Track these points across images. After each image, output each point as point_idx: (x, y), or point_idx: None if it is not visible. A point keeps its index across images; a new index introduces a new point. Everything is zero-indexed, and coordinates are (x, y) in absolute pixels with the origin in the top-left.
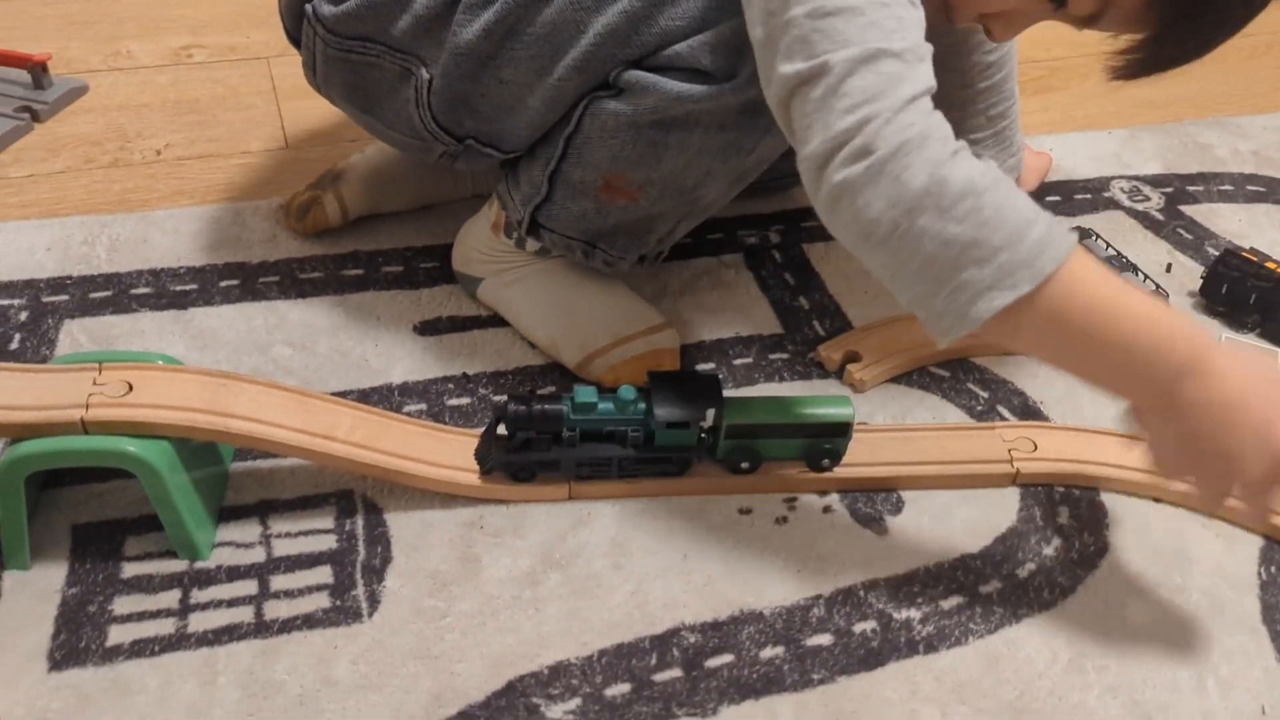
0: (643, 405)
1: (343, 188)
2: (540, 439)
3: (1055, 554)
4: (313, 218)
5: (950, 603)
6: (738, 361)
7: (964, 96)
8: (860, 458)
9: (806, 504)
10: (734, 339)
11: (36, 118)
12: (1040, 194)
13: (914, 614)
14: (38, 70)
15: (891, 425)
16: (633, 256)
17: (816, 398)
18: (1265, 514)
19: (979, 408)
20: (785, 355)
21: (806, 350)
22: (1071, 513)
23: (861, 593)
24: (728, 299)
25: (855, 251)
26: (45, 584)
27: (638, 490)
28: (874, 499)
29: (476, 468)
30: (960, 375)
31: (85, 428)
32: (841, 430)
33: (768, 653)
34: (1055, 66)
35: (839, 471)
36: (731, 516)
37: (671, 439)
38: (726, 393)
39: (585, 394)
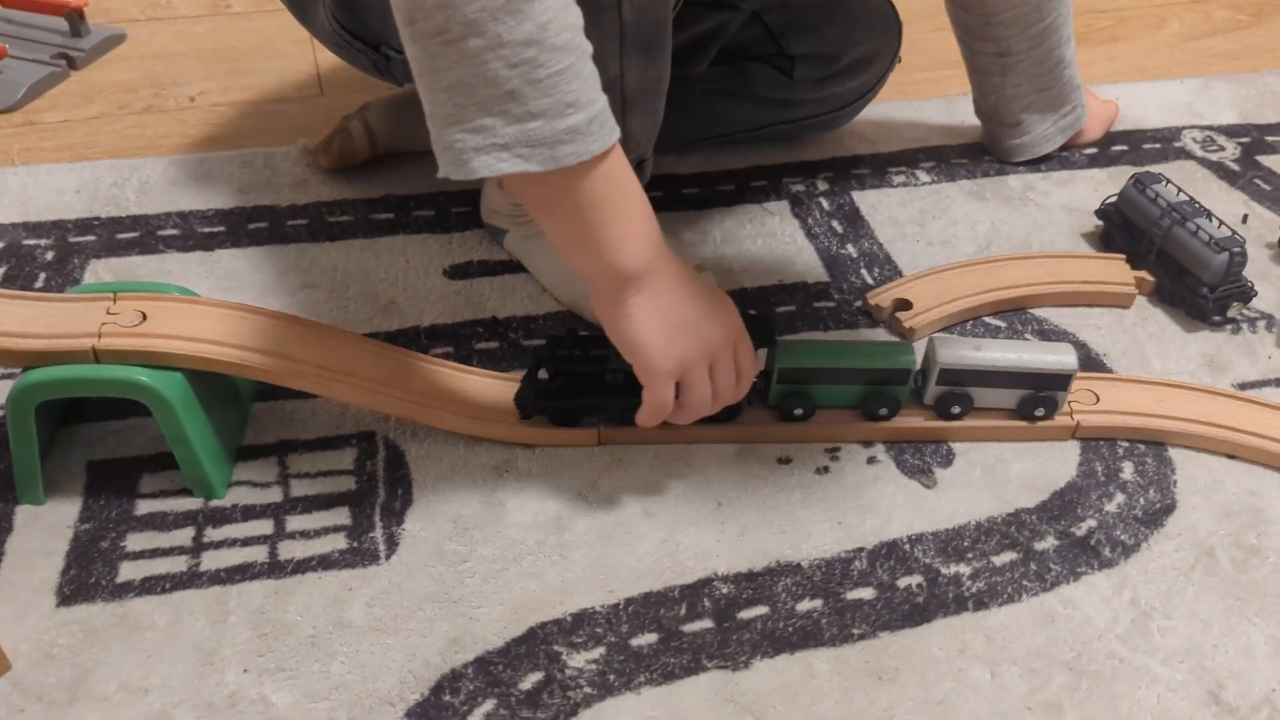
0: None
1: (369, 115)
2: (583, 382)
3: (1118, 510)
4: (339, 146)
5: (1003, 559)
6: (781, 309)
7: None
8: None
9: (850, 454)
10: (777, 286)
11: (73, 65)
12: (1106, 143)
13: (963, 569)
14: (75, 17)
15: None
16: None
17: (876, 343)
18: (656, 414)
19: None
20: (831, 303)
21: (854, 299)
22: (1136, 468)
23: (907, 546)
24: (772, 246)
25: (399, 25)
26: (58, 519)
27: (672, 436)
28: (922, 450)
29: (502, 410)
30: (1017, 325)
31: (97, 356)
32: (902, 377)
33: (805, 605)
34: (1123, 17)
35: (884, 421)
36: (770, 465)
37: None
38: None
39: None
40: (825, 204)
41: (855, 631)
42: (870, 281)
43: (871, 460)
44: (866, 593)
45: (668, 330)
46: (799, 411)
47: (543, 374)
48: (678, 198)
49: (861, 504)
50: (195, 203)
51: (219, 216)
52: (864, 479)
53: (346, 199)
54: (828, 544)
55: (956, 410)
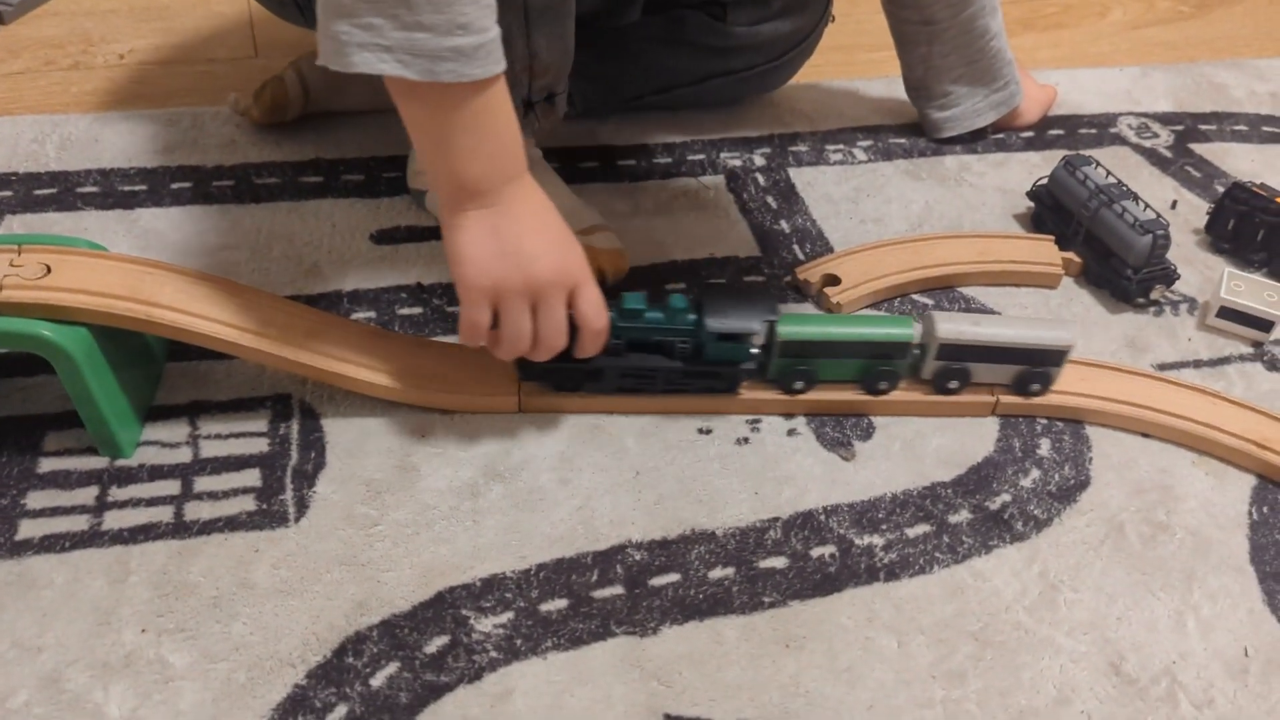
0: (693, 316)
1: (303, 65)
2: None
3: (1033, 486)
4: (270, 95)
5: (916, 531)
6: (711, 282)
7: None
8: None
9: (771, 425)
10: (708, 259)
11: (0, 19)
12: (1043, 127)
13: (876, 540)
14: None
15: None
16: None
17: (877, 316)
18: (467, 331)
19: None
20: (761, 277)
21: (784, 274)
22: (1053, 445)
23: (822, 517)
24: (705, 220)
25: None
26: None
27: (594, 406)
28: (843, 424)
29: (419, 374)
30: (944, 303)
31: None
32: (901, 351)
33: (717, 573)
34: (1069, 4)
35: (805, 395)
36: (689, 435)
37: (723, 353)
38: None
39: (634, 300)
40: (761, 179)
41: (765, 600)
42: (801, 257)
43: (791, 432)
44: (779, 562)
45: (494, 251)
46: (799, 384)
47: None
48: (614, 169)
49: (779, 475)
50: (117, 160)
51: (141, 175)
52: (783, 450)
53: (274, 161)
54: (743, 513)
55: (954, 385)
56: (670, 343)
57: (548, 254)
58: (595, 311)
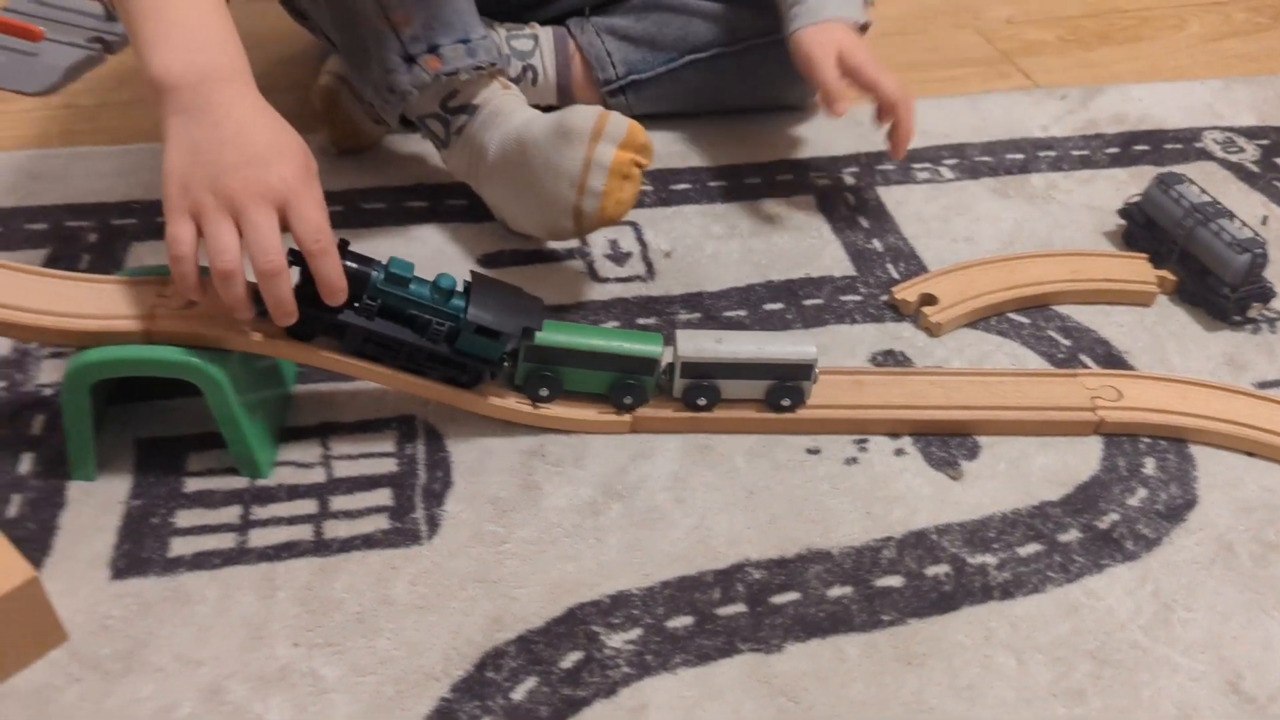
0: (458, 302)
1: (329, 65)
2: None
3: (1140, 505)
4: (320, 100)
5: (1027, 550)
6: (808, 302)
7: None
8: (935, 400)
9: (877, 446)
10: (804, 280)
11: (108, 49)
12: (1128, 143)
13: (989, 559)
14: (109, 2)
15: (968, 369)
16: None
17: (631, 331)
18: (174, 257)
19: (1060, 355)
20: (858, 297)
21: (880, 293)
22: (1158, 464)
23: (934, 536)
24: (799, 240)
25: None
26: (109, 495)
27: (701, 425)
28: (948, 443)
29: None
30: (1041, 322)
31: (149, 338)
32: (648, 367)
33: (835, 592)
34: (1145, 16)
35: (913, 414)
36: (798, 455)
37: (476, 347)
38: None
39: (401, 266)
40: (851, 199)
41: (884, 618)
42: (896, 276)
43: (899, 452)
44: (895, 580)
45: (190, 163)
46: (544, 392)
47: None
48: (706, 190)
49: (889, 494)
50: None
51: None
52: (891, 470)
53: (380, 186)
54: (856, 533)
55: (703, 402)
56: (425, 320)
57: (248, 164)
58: (310, 232)
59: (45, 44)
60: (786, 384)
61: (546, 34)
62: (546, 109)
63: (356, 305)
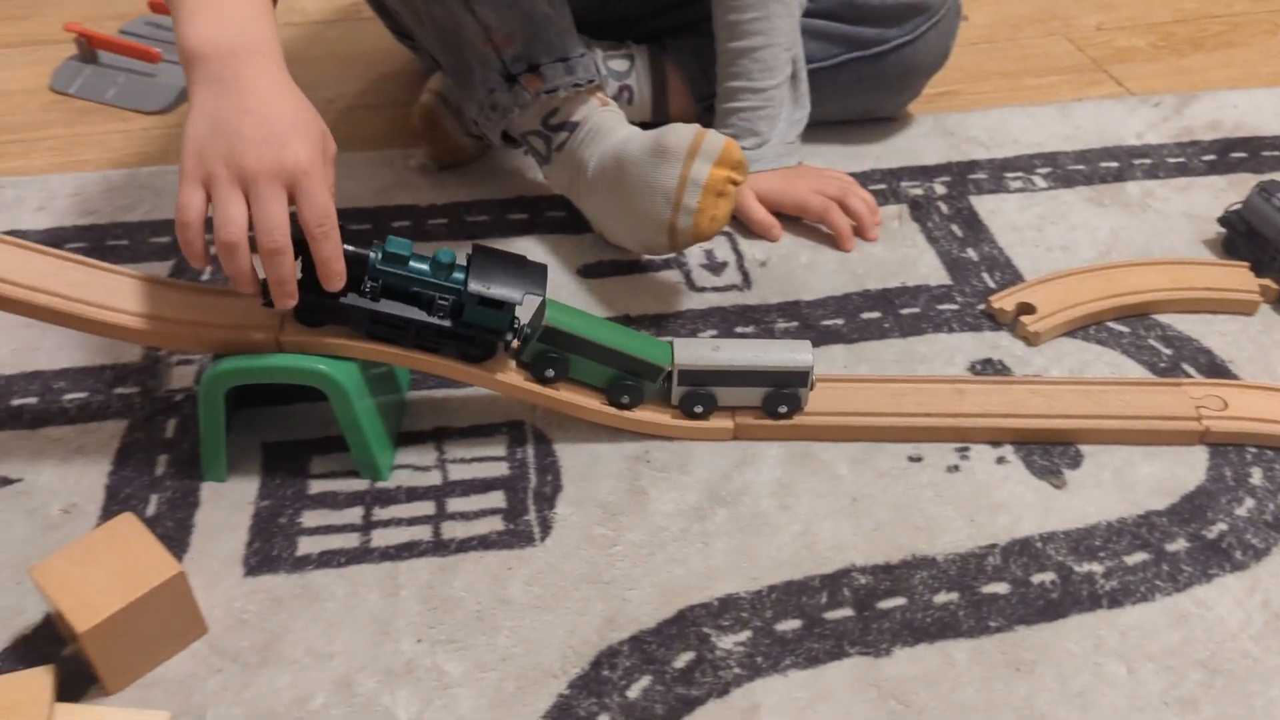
0: (459, 275)
1: (431, 83)
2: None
3: (1248, 515)
4: (420, 119)
5: (1135, 559)
6: (904, 311)
7: None
8: (1036, 409)
9: (979, 454)
10: (900, 289)
11: None
12: (1224, 150)
13: (1096, 568)
14: None
15: (1069, 378)
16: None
17: (642, 335)
18: (181, 224)
19: (1162, 364)
20: (954, 306)
21: (976, 302)
22: (1265, 474)
23: (1039, 544)
24: (894, 250)
25: None
26: (239, 496)
27: (802, 433)
28: (1050, 451)
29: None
30: (1141, 331)
31: (280, 346)
32: (652, 373)
33: (941, 598)
34: (1237, 22)
35: (1015, 422)
36: (900, 463)
37: (482, 318)
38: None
39: (398, 245)
40: (944, 208)
41: (992, 624)
42: (992, 285)
43: (1001, 460)
44: (1001, 587)
45: (209, 133)
46: (549, 373)
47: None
48: None
49: (992, 502)
50: (342, 201)
51: (364, 214)
52: (994, 478)
53: (482, 199)
54: (961, 540)
55: (700, 410)
56: (430, 297)
57: (264, 140)
58: (316, 215)
59: (162, 65)
60: (783, 391)
61: (642, 53)
62: (644, 126)
63: (360, 288)
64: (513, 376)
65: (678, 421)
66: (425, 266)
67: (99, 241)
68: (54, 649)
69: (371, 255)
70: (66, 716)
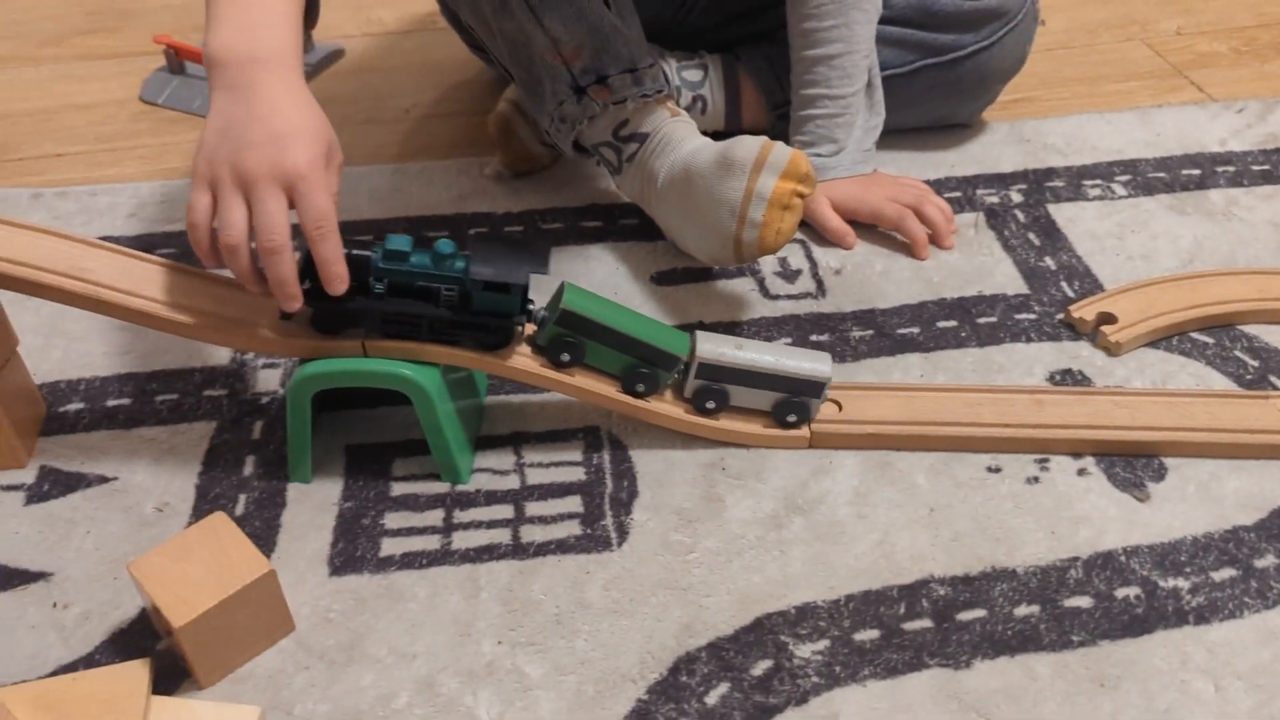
0: (460, 263)
1: (507, 93)
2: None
3: None
4: (496, 128)
5: (1222, 575)
6: (981, 320)
7: None
8: (1119, 420)
9: (1059, 465)
10: (976, 297)
11: None
12: None
13: (1182, 583)
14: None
15: (1152, 389)
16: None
17: (662, 325)
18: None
19: (1248, 376)
20: (1032, 315)
21: (1055, 311)
22: None
23: (1123, 558)
24: (970, 258)
25: None
26: (324, 497)
27: (880, 441)
28: (1133, 464)
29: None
30: (1227, 342)
31: (365, 351)
32: (669, 362)
33: (1022, 611)
34: None
35: (1096, 434)
36: (979, 474)
37: (490, 303)
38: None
39: (398, 242)
40: (1021, 216)
41: (1075, 639)
42: (1071, 295)
43: (1082, 472)
44: (1084, 601)
45: (220, 137)
46: (565, 358)
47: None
48: None
49: (1074, 514)
50: (420, 208)
51: (442, 222)
52: (1075, 490)
53: (555, 207)
54: (1041, 552)
55: (711, 405)
56: (436, 289)
57: (266, 143)
58: (313, 217)
59: None
60: (795, 399)
61: (715, 62)
62: (717, 135)
63: (367, 291)
64: (527, 362)
65: (756, 430)
66: (426, 259)
67: (187, 247)
68: (149, 643)
69: (373, 256)
70: (161, 710)
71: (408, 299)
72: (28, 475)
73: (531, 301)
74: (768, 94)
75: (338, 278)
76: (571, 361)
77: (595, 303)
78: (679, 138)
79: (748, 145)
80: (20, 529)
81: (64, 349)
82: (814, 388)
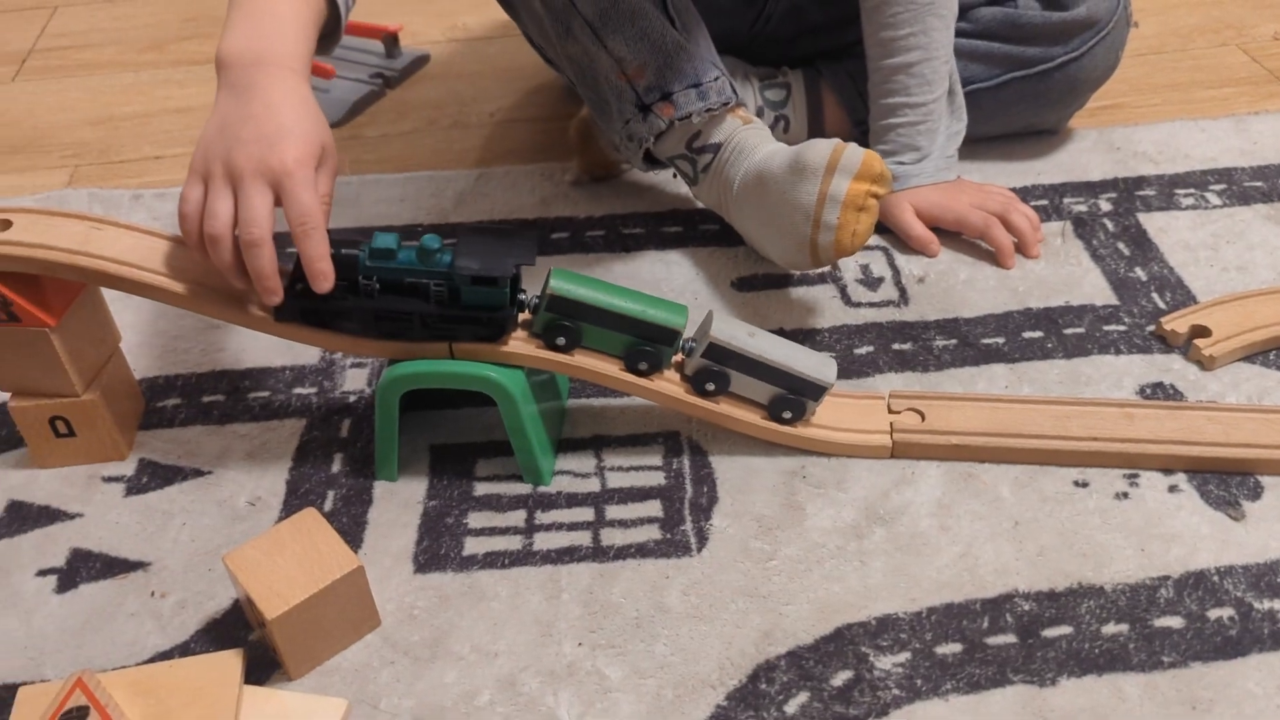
0: (447, 258)
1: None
2: (337, 287)
3: None
4: (576, 134)
5: None
6: (1068, 331)
7: None
8: (1213, 437)
9: (1149, 481)
10: (1063, 308)
11: (388, 84)
12: None
13: (1278, 606)
14: (390, 40)
15: (1248, 405)
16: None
17: (658, 299)
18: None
19: None
20: (1122, 327)
21: (1145, 323)
22: None
23: (1216, 578)
24: (1056, 267)
25: None
26: (409, 495)
27: (963, 453)
28: (1228, 482)
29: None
30: None
31: (452, 353)
32: (669, 338)
33: (1110, 629)
34: None
35: (1188, 450)
36: (1065, 488)
37: (479, 297)
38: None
39: (384, 239)
40: (1110, 225)
41: (1165, 659)
42: (1163, 306)
43: (1173, 489)
44: (1175, 621)
45: (217, 134)
46: (561, 341)
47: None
48: None
49: (1164, 532)
50: (505, 212)
51: (525, 227)
52: (1166, 507)
53: (638, 212)
54: (1130, 570)
55: (711, 387)
56: (424, 285)
57: (256, 140)
58: (298, 214)
59: (335, 80)
60: (792, 397)
61: (798, 79)
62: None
63: (357, 289)
64: (525, 347)
65: (837, 439)
66: (413, 255)
67: (279, 247)
68: (241, 634)
69: (360, 254)
70: (253, 699)
71: (398, 296)
72: (128, 468)
73: (523, 290)
74: (850, 109)
75: (321, 275)
76: (568, 345)
77: (584, 284)
78: (752, 144)
79: (820, 148)
80: (121, 519)
81: (162, 346)
82: (814, 389)
